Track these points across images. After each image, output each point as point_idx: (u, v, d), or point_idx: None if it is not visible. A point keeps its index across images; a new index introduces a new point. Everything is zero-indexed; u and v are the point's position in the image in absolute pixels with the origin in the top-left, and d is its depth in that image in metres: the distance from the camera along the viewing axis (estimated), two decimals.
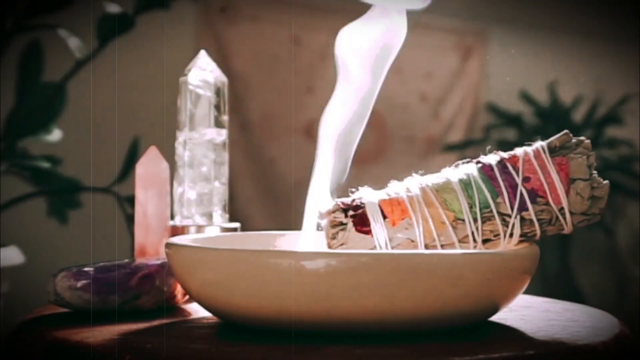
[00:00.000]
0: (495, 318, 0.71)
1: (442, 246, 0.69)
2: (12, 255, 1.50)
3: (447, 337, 0.65)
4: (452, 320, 0.66)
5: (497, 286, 0.66)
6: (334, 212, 0.70)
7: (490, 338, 0.67)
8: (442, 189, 0.70)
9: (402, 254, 0.65)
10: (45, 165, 1.45)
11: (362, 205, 0.70)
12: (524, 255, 0.68)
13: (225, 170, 0.90)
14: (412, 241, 0.70)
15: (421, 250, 0.69)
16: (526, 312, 0.76)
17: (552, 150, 0.70)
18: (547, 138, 0.71)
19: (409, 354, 0.62)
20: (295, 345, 0.63)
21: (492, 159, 0.71)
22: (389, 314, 0.63)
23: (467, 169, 0.71)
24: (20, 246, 1.53)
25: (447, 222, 0.69)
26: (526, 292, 0.72)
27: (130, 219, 1.34)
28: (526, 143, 0.72)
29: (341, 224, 0.70)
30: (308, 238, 0.73)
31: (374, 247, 0.70)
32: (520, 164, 0.70)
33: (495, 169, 0.70)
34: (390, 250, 0.69)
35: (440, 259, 0.64)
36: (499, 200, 0.69)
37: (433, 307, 0.64)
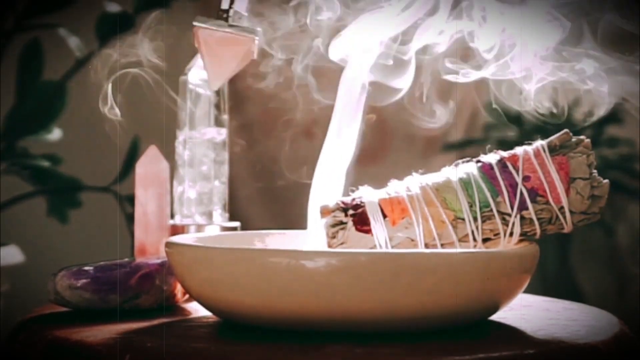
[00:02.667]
0: (495, 317, 0.71)
1: (442, 245, 0.69)
2: (12, 255, 1.50)
3: (447, 336, 0.65)
4: (452, 319, 0.66)
5: (497, 285, 0.66)
6: (333, 211, 0.70)
7: (490, 337, 0.67)
8: (442, 188, 0.70)
9: (402, 253, 0.65)
10: (45, 164, 1.45)
11: (362, 204, 0.70)
12: (524, 255, 0.68)
13: (225, 169, 0.90)
14: (412, 240, 0.69)
15: (421, 249, 0.69)
16: (526, 311, 0.76)
17: (552, 150, 0.70)
18: (547, 137, 0.71)
19: (408, 353, 0.61)
20: (296, 344, 0.63)
21: (492, 158, 0.71)
22: (389, 313, 0.63)
23: (467, 168, 0.71)
24: (20, 246, 1.53)
25: (447, 221, 0.69)
26: (526, 291, 0.72)
27: (130, 218, 1.34)
28: (526, 142, 0.71)
29: (341, 223, 0.70)
30: (314, 237, 0.73)
31: (374, 247, 0.69)
32: (520, 163, 0.70)
33: (495, 168, 0.70)
34: (390, 250, 0.69)
35: (440, 258, 0.64)
36: (499, 199, 0.69)
37: (433, 306, 0.64)
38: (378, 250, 0.69)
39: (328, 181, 0.74)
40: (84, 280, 0.74)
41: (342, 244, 0.70)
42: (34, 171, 1.45)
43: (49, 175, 1.46)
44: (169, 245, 0.70)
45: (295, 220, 0.78)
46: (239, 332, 0.66)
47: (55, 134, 1.49)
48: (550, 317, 0.74)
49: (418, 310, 0.64)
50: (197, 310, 0.77)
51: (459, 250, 0.68)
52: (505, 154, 0.71)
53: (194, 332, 0.69)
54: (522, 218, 0.69)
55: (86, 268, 0.75)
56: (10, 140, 1.45)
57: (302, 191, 0.76)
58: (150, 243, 0.85)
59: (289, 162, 0.88)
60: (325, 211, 0.70)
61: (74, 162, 1.57)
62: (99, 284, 0.74)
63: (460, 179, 0.70)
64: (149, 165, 0.85)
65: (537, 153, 0.70)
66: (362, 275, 0.62)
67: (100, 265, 0.75)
